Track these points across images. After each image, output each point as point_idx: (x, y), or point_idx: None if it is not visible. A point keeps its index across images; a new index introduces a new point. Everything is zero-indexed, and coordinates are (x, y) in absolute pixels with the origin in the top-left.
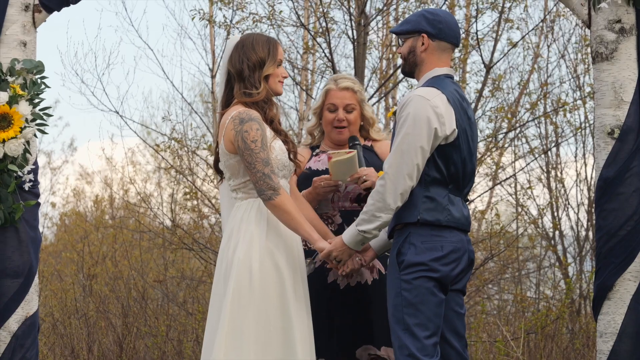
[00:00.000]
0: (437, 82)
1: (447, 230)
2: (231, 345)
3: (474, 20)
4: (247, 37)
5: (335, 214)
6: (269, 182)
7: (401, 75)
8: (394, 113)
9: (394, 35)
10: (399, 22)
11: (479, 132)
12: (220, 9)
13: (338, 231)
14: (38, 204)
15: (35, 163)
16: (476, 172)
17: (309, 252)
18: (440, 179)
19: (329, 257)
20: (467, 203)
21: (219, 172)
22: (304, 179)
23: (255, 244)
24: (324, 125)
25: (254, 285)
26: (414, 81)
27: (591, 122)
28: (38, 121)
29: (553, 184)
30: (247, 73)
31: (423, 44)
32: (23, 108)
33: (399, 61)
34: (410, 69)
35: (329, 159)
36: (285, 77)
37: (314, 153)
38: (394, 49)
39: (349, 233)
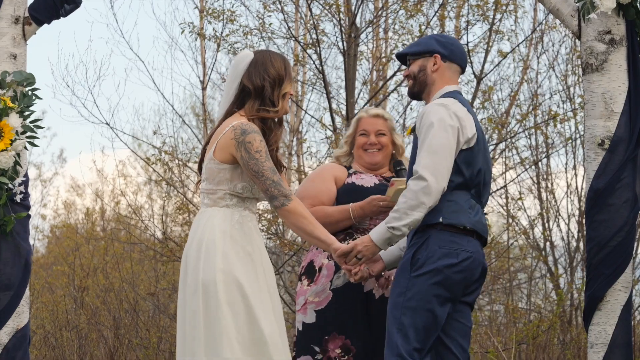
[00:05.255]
0: (451, 95)
1: (465, 237)
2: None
3: (464, 32)
4: (262, 53)
5: (372, 228)
6: (281, 189)
7: (392, 87)
8: (413, 129)
9: (384, 45)
10: (388, 35)
11: None
12: (210, 22)
13: None
14: (29, 216)
15: (26, 175)
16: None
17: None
18: (463, 183)
19: (352, 252)
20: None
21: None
22: (347, 192)
23: (217, 258)
24: (355, 150)
25: (220, 301)
26: (405, 91)
27: (582, 133)
28: (28, 133)
29: (544, 195)
30: (268, 91)
31: (435, 64)
32: (13, 120)
33: (389, 73)
34: (420, 89)
35: (391, 185)
36: (292, 95)
37: (351, 172)
38: (384, 60)
39: (378, 230)
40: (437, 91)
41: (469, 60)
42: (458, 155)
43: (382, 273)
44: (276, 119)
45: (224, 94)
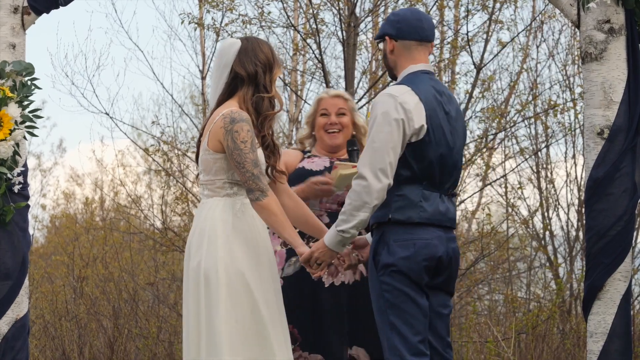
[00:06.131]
0: (411, 79)
1: (420, 227)
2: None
3: (463, 21)
4: (249, 40)
5: (323, 214)
6: (258, 183)
7: None
8: None
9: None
10: None
11: (469, 133)
12: (208, 11)
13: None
14: (28, 206)
15: (25, 165)
16: (462, 166)
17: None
18: (412, 176)
19: (311, 259)
20: (456, 198)
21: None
22: (298, 177)
23: (218, 247)
24: (316, 131)
25: (220, 289)
26: None
27: (581, 122)
28: (27, 123)
29: (543, 185)
30: (262, 76)
31: (389, 46)
32: (12, 110)
33: None
34: (390, 72)
35: (334, 168)
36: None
37: (307, 155)
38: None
39: (329, 234)
40: (401, 72)
41: (468, 50)
42: (407, 148)
43: (332, 261)
44: (269, 104)
45: (212, 84)
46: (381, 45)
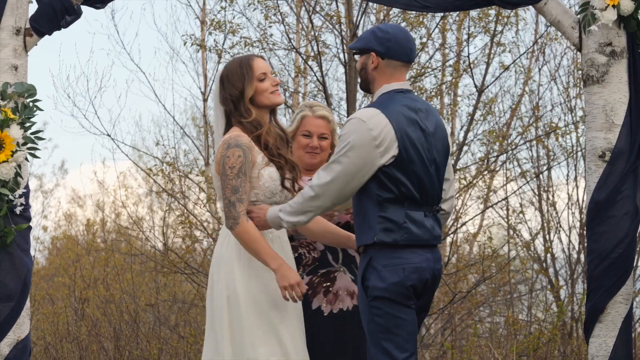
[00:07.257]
0: (384, 100)
1: (407, 249)
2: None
3: (465, 44)
4: (224, 70)
5: (310, 241)
6: (232, 210)
7: None
8: None
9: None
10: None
11: (470, 155)
12: (210, 33)
13: (320, 258)
14: (29, 228)
15: (27, 186)
16: (464, 188)
17: None
18: (393, 198)
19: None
20: (453, 221)
21: None
22: None
23: (236, 272)
24: (295, 149)
25: (243, 312)
26: None
27: (583, 145)
28: (29, 145)
29: (545, 207)
30: (232, 107)
31: (373, 62)
32: (14, 132)
33: None
34: (366, 86)
35: None
36: (276, 85)
37: None
38: None
39: (272, 211)
40: (377, 89)
41: (469, 73)
42: (382, 172)
43: (330, 289)
44: (256, 124)
45: (214, 117)
46: (357, 57)
